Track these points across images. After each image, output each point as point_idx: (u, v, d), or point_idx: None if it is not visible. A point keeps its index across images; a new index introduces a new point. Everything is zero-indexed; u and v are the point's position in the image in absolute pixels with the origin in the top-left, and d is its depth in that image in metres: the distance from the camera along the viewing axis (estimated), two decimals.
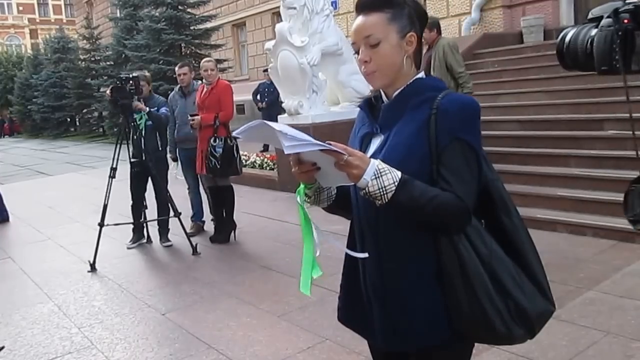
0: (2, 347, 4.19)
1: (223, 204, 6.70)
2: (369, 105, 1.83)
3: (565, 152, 6.67)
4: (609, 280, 4.44)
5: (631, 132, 6.38)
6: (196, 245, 6.23)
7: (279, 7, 9.69)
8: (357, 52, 1.72)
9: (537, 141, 7.29)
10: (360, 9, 1.71)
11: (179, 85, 7.15)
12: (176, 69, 7.15)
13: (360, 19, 1.70)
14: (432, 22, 6.83)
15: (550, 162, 6.75)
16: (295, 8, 8.70)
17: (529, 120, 7.84)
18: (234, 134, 1.67)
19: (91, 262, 5.93)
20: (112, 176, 6.17)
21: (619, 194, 5.73)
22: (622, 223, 5.29)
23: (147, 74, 6.85)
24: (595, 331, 3.65)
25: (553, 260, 4.85)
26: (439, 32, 7.01)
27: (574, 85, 7.62)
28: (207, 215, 7.17)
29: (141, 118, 6.45)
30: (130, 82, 6.21)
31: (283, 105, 9.38)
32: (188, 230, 6.67)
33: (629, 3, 1.98)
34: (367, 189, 1.55)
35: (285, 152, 1.49)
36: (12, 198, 11.54)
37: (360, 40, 1.69)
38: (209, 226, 7.12)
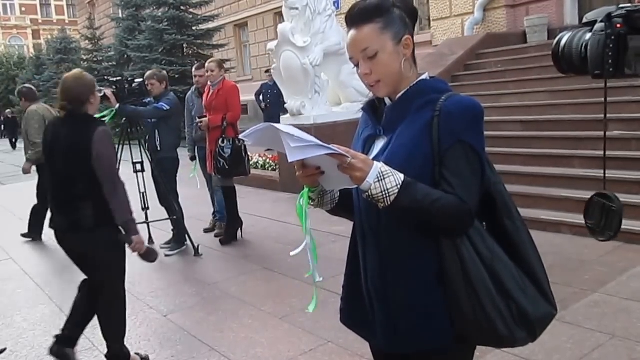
0: (4, 349, 4.18)
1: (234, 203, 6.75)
2: (372, 107, 1.83)
3: (569, 153, 6.65)
4: (614, 282, 4.42)
5: (637, 132, 6.35)
6: (198, 246, 6.22)
7: (281, 7, 9.68)
8: (356, 66, 1.72)
9: (540, 142, 7.26)
10: (351, 22, 1.70)
11: (195, 86, 7.18)
12: (193, 70, 7.20)
13: (353, 33, 1.70)
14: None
15: (554, 163, 6.73)
16: (297, 8, 8.69)
17: (533, 120, 7.82)
18: (240, 136, 1.67)
19: None
20: None
21: (625, 195, 5.73)
22: (627, 225, 5.26)
23: (160, 72, 6.75)
24: (600, 334, 3.62)
25: (557, 262, 4.83)
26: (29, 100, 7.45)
27: (578, 85, 7.59)
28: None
29: (111, 112, 6.10)
30: (116, 85, 6.12)
31: (286, 105, 9.38)
32: (207, 226, 7.03)
33: (622, 8, 1.99)
34: (370, 191, 1.54)
35: (289, 160, 1.49)
36: (14, 199, 11.56)
37: (358, 54, 1.69)
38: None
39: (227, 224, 6.77)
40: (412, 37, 1.71)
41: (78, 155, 3.44)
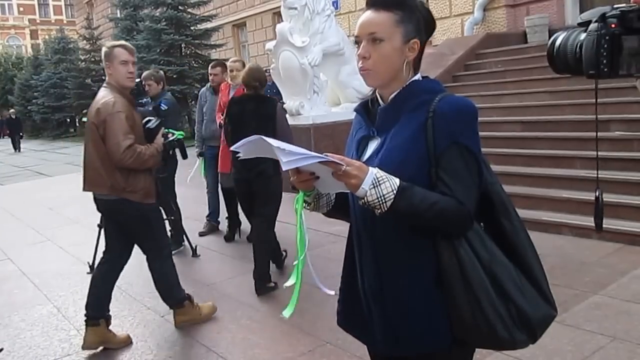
0: (2, 349, 4.15)
1: (235, 204, 6.76)
2: (365, 108, 1.82)
3: (571, 154, 6.62)
4: (615, 284, 4.39)
5: (638, 133, 6.32)
6: (196, 247, 6.19)
7: (279, 7, 9.66)
8: (357, 45, 1.71)
9: (541, 142, 7.24)
10: (371, 4, 1.69)
11: (209, 83, 7.18)
12: (209, 68, 7.23)
13: (368, 13, 1.69)
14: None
15: (555, 163, 6.70)
16: (296, 8, 8.67)
17: (533, 121, 7.80)
18: (231, 148, 1.66)
19: (90, 263, 5.87)
20: None
21: (626, 196, 5.71)
22: (629, 226, 5.26)
23: (157, 72, 6.75)
24: (601, 336, 3.60)
25: (558, 263, 4.81)
26: None
27: (579, 85, 7.55)
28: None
29: None
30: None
31: (284, 106, 9.35)
32: (201, 229, 6.91)
33: (616, 8, 1.98)
34: (365, 198, 1.53)
35: (283, 169, 1.49)
36: (12, 199, 11.54)
37: (365, 35, 1.68)
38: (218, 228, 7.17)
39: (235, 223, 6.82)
40: (422, 46, 1.71)
41: (266, 122, 4.77)
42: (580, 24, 2.13)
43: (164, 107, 6.25)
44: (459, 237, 1.61)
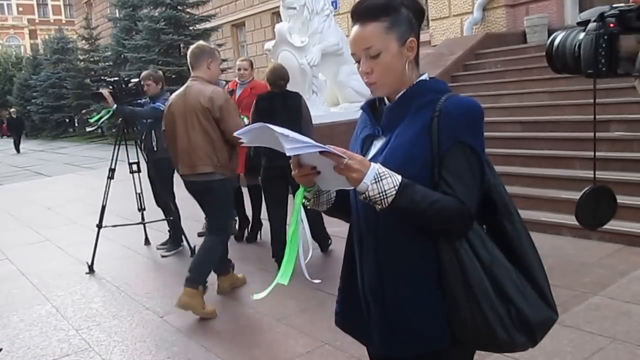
0: (1, 349, 4.15)
1: (242, 204, 6.82)
2: (371, 107, 1.81)
3: (570, 154, 6.60)
4: (614, 285, 4.38)
5: (638, 134, 6.31)
6: (194, 247, 6.16)
7: (278, 7, 9.66)
8: (357, 62, 1.69)
9: (540, 143, 7.22)
10: (357, 18, 1.66)
11: None
12: None
13: (357, 29, 1.66)
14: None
15: (554, 164, 6.68)
16: (295, 8, 8.68)
17: (533, 121, 7.78)
18: (234, 134, 1.64)
19: (89, 263, 5.87)
20: (110, 177, 6.11)
21: (626, 197, 5.70)
22: (628, 227, 5.25)
23: (156, 72, 6.74)
24: (600, 337, 3.59)
25: (557, 264, 4.79)
26: None
27: (578, 85, 7.53)
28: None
29: (108, 113, 6.24)
30: (113, 86, 6.09)
31: None
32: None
33: (615, 7, 1.98)
34: (367, 193, 1.52)
35: (287, 154, 1.47)
36: (11, 199, 11.53)
37: (360, 51, 1.66)
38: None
39: (241, 223, 6.83)
40: (417, 39, 1.68)
41: (294, 115, 5.16)
42: (579, 24, 2.13)
43: (162, 107, 6.23)
44: (459, 237, 1.59)
